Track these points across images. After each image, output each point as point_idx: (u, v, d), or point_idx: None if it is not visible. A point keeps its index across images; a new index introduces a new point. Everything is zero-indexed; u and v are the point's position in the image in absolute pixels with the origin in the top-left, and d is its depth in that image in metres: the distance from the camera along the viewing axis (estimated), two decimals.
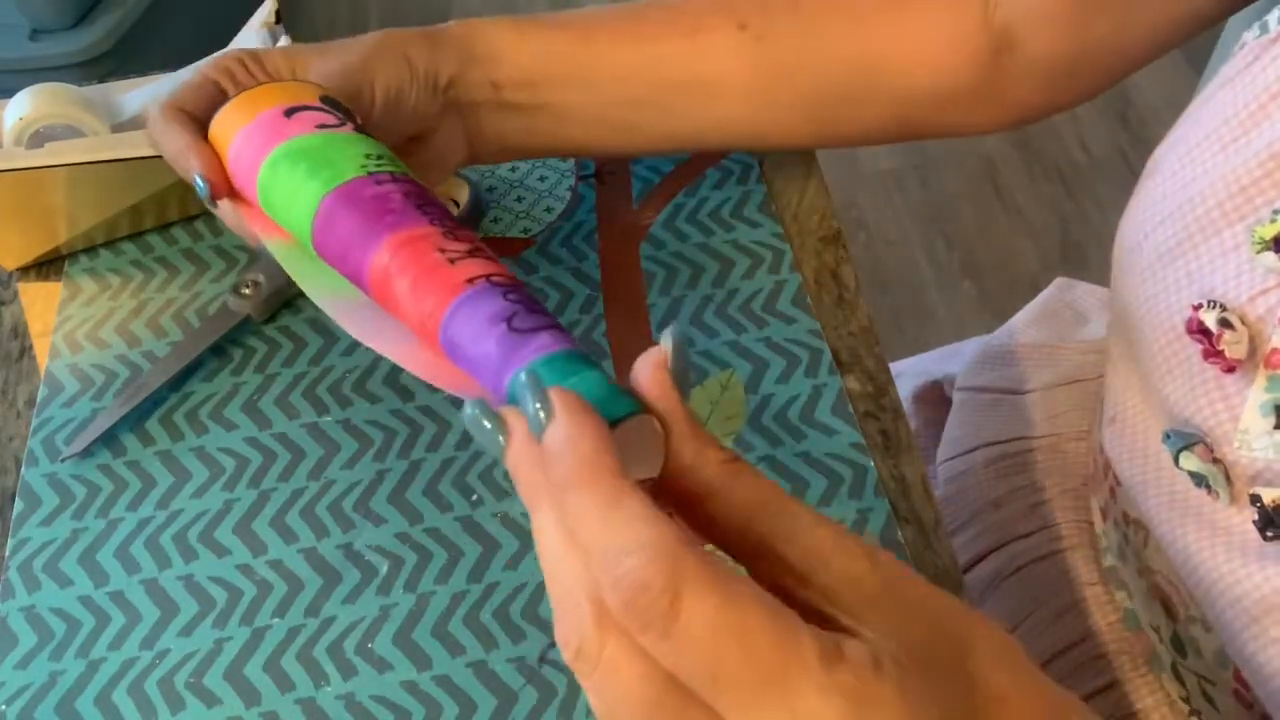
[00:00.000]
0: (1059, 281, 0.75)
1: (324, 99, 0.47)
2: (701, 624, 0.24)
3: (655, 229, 0.61)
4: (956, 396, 0.70)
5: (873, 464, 0.51)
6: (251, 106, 0.46)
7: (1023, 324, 0.73)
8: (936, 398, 0.74)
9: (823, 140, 0.57)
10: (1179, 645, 0.50)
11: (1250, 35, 0.43)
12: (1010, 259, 1.65)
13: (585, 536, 0.26)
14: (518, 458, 0.28)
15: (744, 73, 0.53)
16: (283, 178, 0.43)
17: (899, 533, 0.49)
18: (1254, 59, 0.42)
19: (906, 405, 0.73)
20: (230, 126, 0.46)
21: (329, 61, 0.49)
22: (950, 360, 0.76)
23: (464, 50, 0.51)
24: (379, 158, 0.43)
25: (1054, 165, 1.76)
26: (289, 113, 0.45)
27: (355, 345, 0.57)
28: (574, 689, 0.46)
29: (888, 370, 0.55)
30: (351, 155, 0.43)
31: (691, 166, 0.63)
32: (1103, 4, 0.51)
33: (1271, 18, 0.42)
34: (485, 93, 0.52)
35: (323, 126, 0.44)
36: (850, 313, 0.57)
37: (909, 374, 0.76)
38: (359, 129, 0.45)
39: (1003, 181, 1.75)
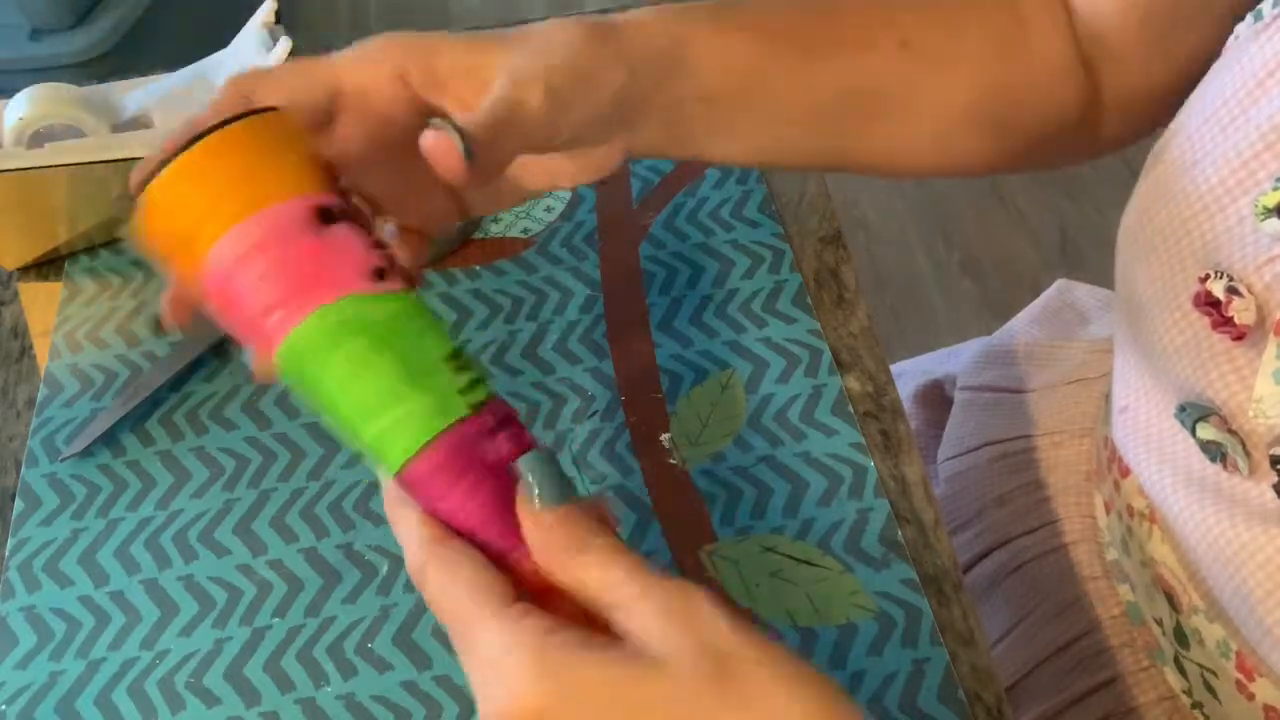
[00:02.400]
0: (1059, 283, 0.75)
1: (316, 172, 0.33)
2: (438, 576, 0.33)
3: (655, 229, 0.61)
4: (958, 396, 0.70)
5: (873, 464, 0.51)
6: (245, 179, 0.32)
7: (1024, 325, 0.73)
8: (937, 398, 0.74)
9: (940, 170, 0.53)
10: (1181, 637, 0.50)
11: (1243, 26, 0.44)
12: (1010, 259, 1.65)
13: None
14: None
15: (902, 91, 0.49)
16: (347, 365, 0.32)
17: (899, 533, 0.49)
18: (1248, 43, 0.43)
19: (907, 405, 0.73)
20: (207, 202, 0.32)
21: (509, 56, 0.39)
22: (951, 360, 0.76)
23: (643, 51, 0.43)
24: (456, 358, 0.33)
25: None
26: (323, 216, 0.33)
27: None
28: None
29: (888, 370, 0.55)
30: (437, 357, 0.33)
31: (692, 166, 0.63)
32: (1166, 40, 0.49)
33: (1265, 5, 0.42)
34: (664, 111, 0.44)
35: (378, 272, 0.33)
36: (850, 313, 0.57)
37: (910, 374, 0.76)
38: (381, 247, 0.34)
39: (1003, 181, 1.75)
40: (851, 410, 0.53)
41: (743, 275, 0.58)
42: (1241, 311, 0.41)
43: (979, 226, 1.70)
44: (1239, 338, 0.41)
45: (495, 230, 0.61)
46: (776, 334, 0.56)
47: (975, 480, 0.64)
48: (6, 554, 0.51)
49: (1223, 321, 0.41)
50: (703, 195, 0.62)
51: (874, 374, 0.54)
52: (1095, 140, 0.54)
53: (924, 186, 1.75)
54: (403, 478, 0.33)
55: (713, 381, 0.54)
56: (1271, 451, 0.41)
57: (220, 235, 0.32)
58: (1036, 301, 0.75)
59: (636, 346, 0.56)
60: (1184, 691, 0.52)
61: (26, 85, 0.58)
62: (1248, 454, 0.42)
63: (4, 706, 0.46)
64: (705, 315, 0.57)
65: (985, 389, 0.69)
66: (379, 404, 0.32)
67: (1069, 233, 1.68)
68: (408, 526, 0.34)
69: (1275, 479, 0.41)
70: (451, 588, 0.32)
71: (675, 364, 0.55)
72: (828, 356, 0.55)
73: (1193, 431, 0.44)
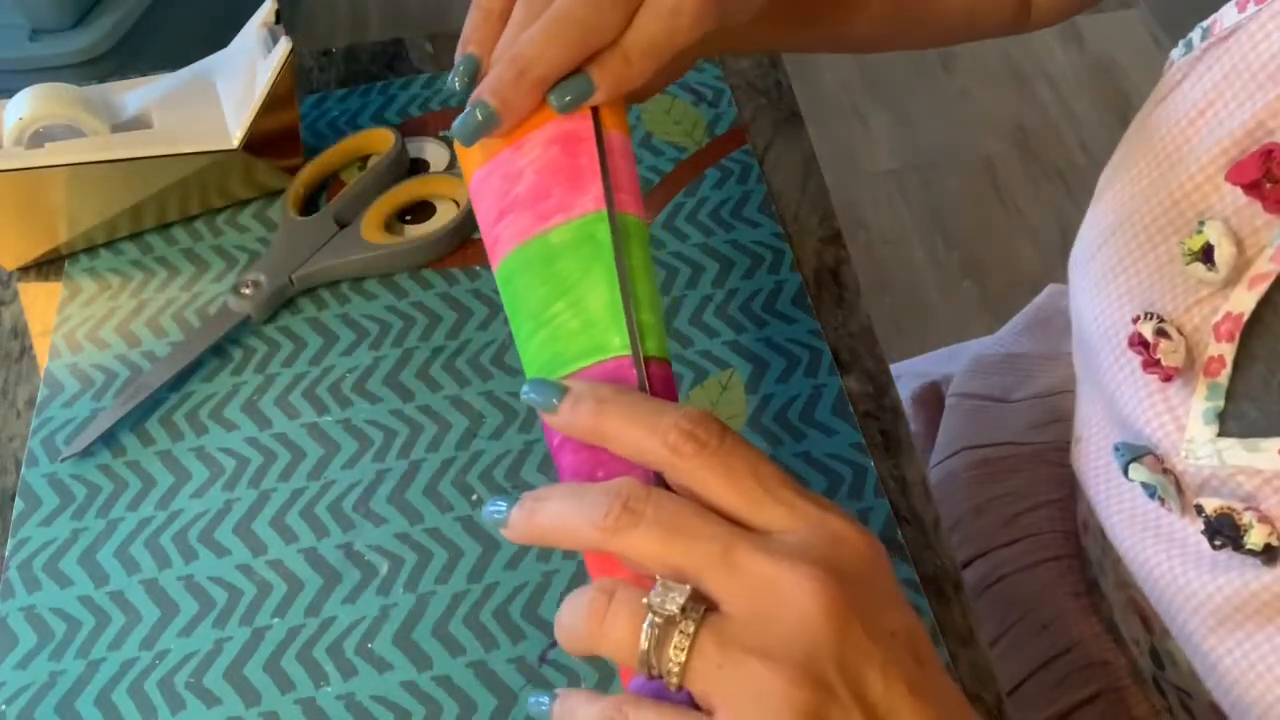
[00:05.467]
0: (1050, 289, 0.75)
1: None
2: (741, 441, 0.33)
3: (655, 229, 0.61)
4: (947, 403, 0.70)
5: (873, 464, 0.51)
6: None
7: (1015, 332, 0.73)
8: (936, 399, 0.74)
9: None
10: (1157, 658, 0.50)
11: (1178, 53, 0.44)
12: (1010, 259, 1.66)
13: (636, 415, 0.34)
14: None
15: None
16: (640, 259, 0.38)
17: (899, 533, 0.49)
18: (1183, 77, 0.43)
19: (906, 406, 0.73)
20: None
21: None
22: (950, 361, 0.76)
23: None
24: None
25: (1054, 166, 1.76)
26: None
27: (355, 345, 0.57)
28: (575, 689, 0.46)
29: (888, 370, 0.55)
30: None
31: (691, 166, 0.63)
32: None
33: (1195, 35, 0.42)
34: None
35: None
36: (850, 313, 0.57)
37: (909, 375, 0.76)
38: None
39: (1003, 181, 1.75)
40: (851, 410, 0.53)
41: (743, 275, 0.58)
42: (1169, 354, 0.41)
43: (979, 226, 1.70)
44: (1167, 379, 0.41)
45: None
46: (776, 334, 0.56)
47: (953, 488, 0.64)
48: (6, 554, 0.51)
49: (1152, 363, 0.41)
50: (703, 195, 0.62)
51: (874, 374, 0.54)
52: (1027, 23, 0.61)
53: (924, 187, 1.75)
54: (655, 368, 0.37)
55: (713, 381, 0.54)
56: (1196, 501, 0.41)
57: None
58: (1027, 309, 0.75)
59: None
60: (1165, 710, 0.52)
61: (26, 85, 0.58)
62: (1180, 494, 0.42)
63: (4, 706, 0.46)
64: (705, 315, 0.57)
65: (971, 396, 0.69)
66: (647, 301, 0.38)
67: (1069, 233, 1.67)
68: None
69: (1201, 525, 0.41)
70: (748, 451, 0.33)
71: (675, 364, 0.55)
72: (828, 356, 0.55)
73: (1125, 472, 0.44)
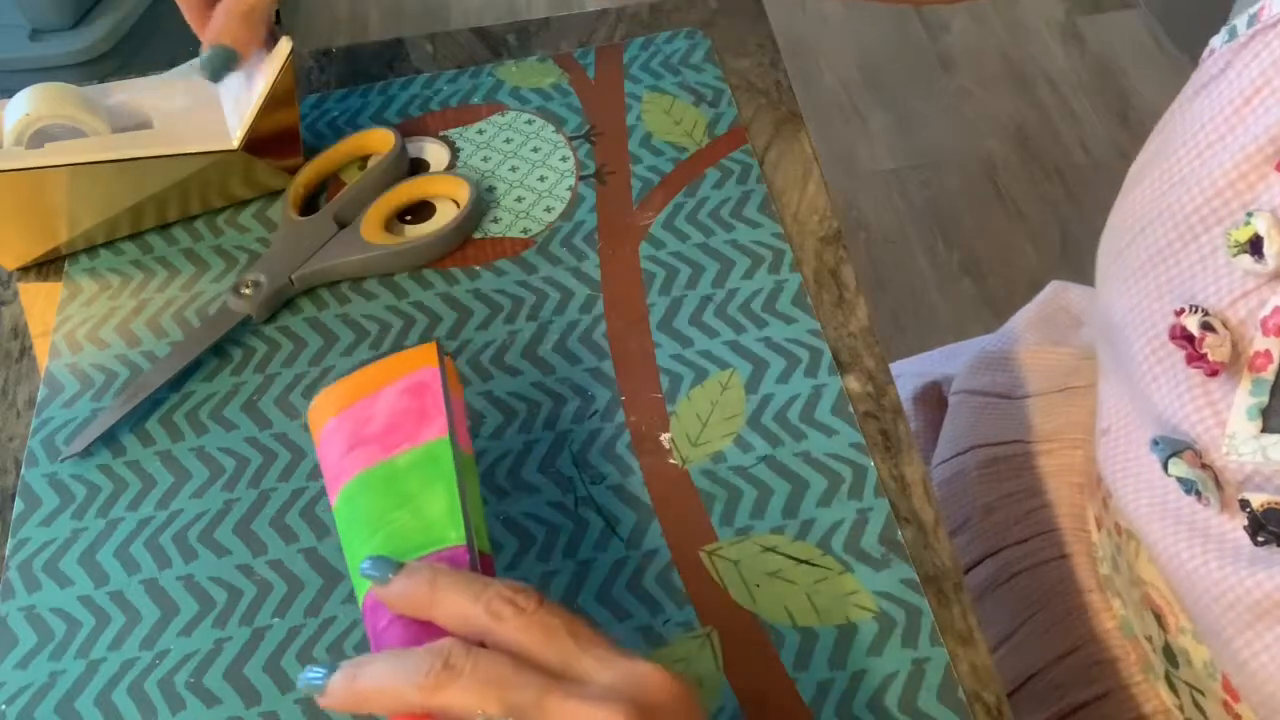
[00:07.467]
0: (1053, 285, 0.75)
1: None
2: (557, 606, 0.36)
3: (655, 229, 0.61)
4: (952, 400, 0.70)
5: (873, 464, 0.51)
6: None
7: (1019, 328, 0.73)
8: (937, 398, 0.74)
9: None
10: (1170, 656, 0.50)
11: (1219, 41, 0.43)
12: (1010, 259, 1.66)
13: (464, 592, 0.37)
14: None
15: None
16: (471, 483, 0.43)
17: (899, 533, 0.49)
18: (1226, 65, 0.42)
19: (907, 406, 0.73)
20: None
21: None
22: (951, 361, 0.76)
23: None
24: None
25: (1054, 166, 1.76)
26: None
27: (355, 345, 0.57)
28: None
29: (888, 370, 0.55)
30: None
31: (691, 166, 0.63)
32: None
33: (1240, 22, 0.42)
34: None
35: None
36: (850, 313, 0.57)
37: (909, 374, 0.76)
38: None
39: (1003, 181, 1.75)
40: (851, 410, 0.53)
41: (743, 275, 0.58)
42: (1215, 348, 0.40)
43: (979, 226, 1.70)
44: (1213, 374, 0.41)
45: (495, 230, 0.61)
46: (776, 334, 0.56)
47: (962, 487, 0.64)
48: (6, 554, 0.51)
49: (1197, 357, 0.40)
50: (703, 195, 0.62)
51: (874, 374, 0.54)
52: None
53: (924, 187, 1.75)
54: (483, 558, 0.42)
55: (713, 381, 0.54)
56: (1241, 495, 0.41)
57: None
58: (1030, 305, 0.75)
59: (636, 346, 0.56)
60: (1176, 708, 0.52)
61: (26, 85, 0.58)
62: (1220, 489, 0.42)
63: (4, 706, 0.46)
64: (705, 315, 0.57)
65: (976, 393, 0.68)
66: (477, 512, 0.43)
67: (1069, 233, 1.68)
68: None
69: (1244, 521, 0.41)
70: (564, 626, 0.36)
71: (675, 364, 0.55)
72: (828, 356, 0.55)
73: (1165, 467, 0.43)
